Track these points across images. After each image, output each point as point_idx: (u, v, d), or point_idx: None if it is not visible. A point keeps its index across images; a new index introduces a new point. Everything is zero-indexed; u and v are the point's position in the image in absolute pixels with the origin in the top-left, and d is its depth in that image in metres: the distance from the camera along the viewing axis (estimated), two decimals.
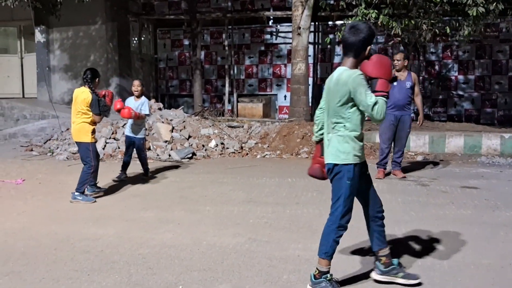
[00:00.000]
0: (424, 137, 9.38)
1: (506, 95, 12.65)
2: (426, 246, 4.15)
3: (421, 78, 12.84)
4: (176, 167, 8.09)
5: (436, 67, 12.99)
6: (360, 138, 3.22)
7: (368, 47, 3.18)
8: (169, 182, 6.90)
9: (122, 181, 6.82)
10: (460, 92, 13.00)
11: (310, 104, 11.87)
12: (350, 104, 3.15)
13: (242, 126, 10.71)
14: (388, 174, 7.16)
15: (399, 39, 10.75)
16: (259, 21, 14.22)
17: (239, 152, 9.31)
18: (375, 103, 3.05)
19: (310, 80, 12.94)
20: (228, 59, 14.08)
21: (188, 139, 9.53)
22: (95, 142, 5.97)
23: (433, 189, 6.34)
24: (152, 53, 15.44)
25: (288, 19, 12.40)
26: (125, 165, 6.98)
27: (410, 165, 8.04)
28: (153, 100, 11.37)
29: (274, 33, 14.29)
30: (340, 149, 3.19)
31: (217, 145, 9.43)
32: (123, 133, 9.39)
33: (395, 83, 6.82)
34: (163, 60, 15.48)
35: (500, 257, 3.87)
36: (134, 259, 3.87)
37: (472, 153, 9.13)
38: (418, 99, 7.05)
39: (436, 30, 9.87)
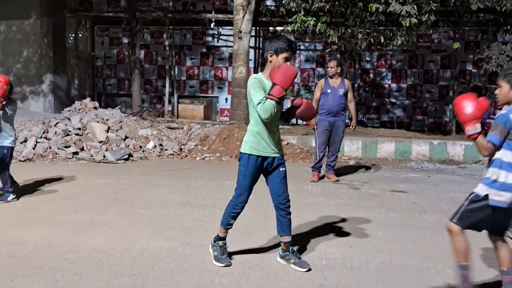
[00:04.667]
0: (358, 142, 9.70)
1: (436, 103, 13.31)
2: (355, 248, 4.28)
3: (356, 85, 13.28)
4: (111, 168, 7.88)
5: (371, 75, 13.48)
6: (261, 133, 3.65)
7: (280, 55, 3.60)
8: (102, 184, 6.70)
9: (50, 182, 6.53)
10: (393, 100, 13.56)
11: None
12: (252, 103, 3.60)
13: (182, 128, 10.60)
14: (323, 177, 7.34)
15: (336, 47, 11.06)
16: (200, 23, 14.17)
17: (178, 154, 9.21)
18: (259, 103, 3.49)
19: None
20: (168, 59, 13.90)
21: (124, 140, 9.31)
22: None
23: (364, 193, 6.55)
24: (89, 50, 14.97)
25: (230, 23, 12.44)
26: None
27: (344, 169, 8.28)
28: (88, 99, 11.00)
29: (216, 36, 14.28)
30: (245, 140, 3.73)
31: (155, 146, 9.28)
32: (55, 132, 9.04)
33: (329, 90, 7.04)
34: (100, 58, 15.06)
35: (425, 259, 4.06)
36: (61, 264, 3.72)
37: (402, 158, 9.53)
38: (351, 105, 7.28)
39: (371, 39, 10.24)
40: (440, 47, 13.09)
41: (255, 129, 3.67)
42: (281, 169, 3.76)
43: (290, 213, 3.83)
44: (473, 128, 3.06)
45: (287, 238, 3.81)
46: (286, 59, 3.61)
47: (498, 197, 3.06)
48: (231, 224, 3.85)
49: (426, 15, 9.41)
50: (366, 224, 5.02)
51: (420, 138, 10.36)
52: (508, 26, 11.10)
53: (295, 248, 3.90)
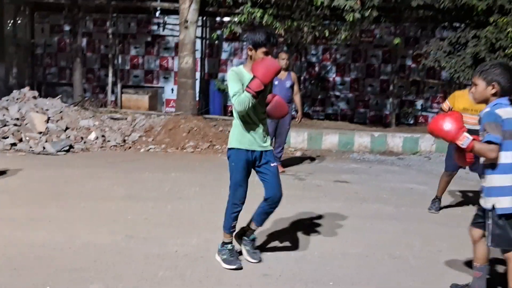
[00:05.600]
0: (303, 134, 9.87)
1: (377, 97, 13.70)
2: (299, 237, 4.37)
3: (302, 78, 13.45)
4: (51, 160, 7.60)
5: (316, 68, 13.70)
6: (244, 127, 3.56)
7: (258, 50, 3.47)
8: (42, 176, 6.45)
9: None
10: (337, 93, 13.85)
11: (197, 99, 11.85)
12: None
13: (126, 119, 10.36)
14: None
15: (282, 39, 11.15)
16: (145, 11, 13.84)
17: (121, 146, 9.00)
18: (234, 95, 3.43)
19: (198, 75, 12.91)
20: (112, 48, 13.50)
21: (65, 131, 8.99)
22: None
23: (309, 183, 6.69)
24: (28, 38, 14.29)
25: (176, 12, 12.22)
26: None
27: (290, 160, 8.41)
28: (27, 88, 10.52)
29: (161, 25, 14.02)
30: (230, 135, 3.67)
31: (97, 137, 9.02)
32: None
33: (276, 82, 7.09)
34: (40, 46, 14.39)
35: (366, 247, 4.21)
36: None
37: (345, 150, 9.79)
38: (297, 98, 7.39)
39: (316, 33, 10.39)
40: (381, 43, 13.46)
41: (237, 122, 3.59)
42: (272, 164, 3.65)
43: (273, 210, 3.72)
44: (465, 138, 2.93)
45: (254, 226, 3.78)
46: (266, 53, 3.47)
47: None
48: (234, 226, 3.71)
49: (369, 11, 9.65)
50: (310, 213, 5.13)
51: (362, 130, 10.68)
52: (446, 23, 11.57)
53: (255, 238, 3.89)
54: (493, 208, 2.95)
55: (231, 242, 3.72)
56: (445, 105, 5.41)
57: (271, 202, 3.67)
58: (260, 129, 3.60)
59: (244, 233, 3.83)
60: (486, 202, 3.00)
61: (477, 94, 3.06)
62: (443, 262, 3.94)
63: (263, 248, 4.05)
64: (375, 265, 3.83)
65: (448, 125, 2.96)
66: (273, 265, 3.71)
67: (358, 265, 3.81)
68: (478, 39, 9.63)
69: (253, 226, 3.79)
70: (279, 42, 11.58)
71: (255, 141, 3.58)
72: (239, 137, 3.58)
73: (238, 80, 3.47)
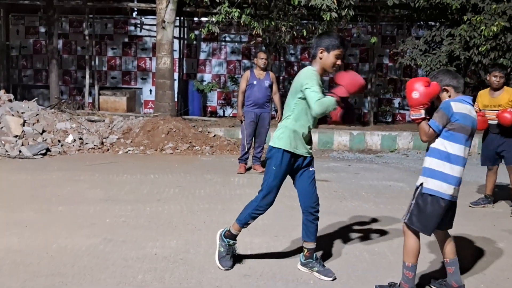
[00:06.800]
0: None
1: (355, 95, 13.84)
2: (280, 237, 4.38)
3: (281, 78, 13.49)
4: (28, 164, 7.47)
5: (295, 68, 13.74)
6: (298, 132, 3.47)
7: (331, 52, 3.42)
8: (18, 180, 6.34)
9: None
10: None
11: (175, 99, 11.79)
12: (298, 96, 3.46)
13: (103, 121, 10.25)
14: (249, 169, 7.41)
15: (261, 39, 11.17)
16: (122, 12, 13.71)
17: (99, 148, 8.90)
18: (319, 97, 3.26)
19: (176, 75, 12.84)
20: (89, 49, 13.34)
21: (42, 134, 8.85)
22: None
23: (289, 183, 6.65)
24: (3, 40, 14.01)
25: (153, 12, 12.14)
26: None
27: None
28: (2, 91, 10.32)
29: (139, 25, 13.90)
30: (278, 135, 3.52)
31: (74, 140, 8.90)
32: None
33: (254, 82, 7.12)
34: (15, 47, 14.14)
35: (346, 244, 4.25)
36: None
37: (325, 149, 9.85)
38: (276, 97, 7.40)
39: (294, 33, 10.43)
40: (359, 42, 13.58)
41: (293, 126, 3.45)
42: (310, 169, 3.59)
43: (318, 218, 3.65)
44: (417, 113, 3.09)
45: (312, 245, 3.62)
46: (338, 56, 3.43)
47: (437, 187, 3.08)
48: (249, 224, 3.64)
49: (346, 10, 9.73)
50: (290, 213, 5.14)
51: (341, 129, 10.75)
52: (421, 22, 11.74)
53: (318, 255, 3.73)
54: (421, 186, 3.13)
55: (235, 237, 3.64)
56: (476, 106, 5.54)
57: (312, 208, 3.61)
58: (308, 136, 3.55)
59: (307, 258, 3.64)
60: (418, 180, 3.18)
61: (437, 102, 3.21)
62: (421, 258, 3.98)
63: (242, 247, 4.04)
64: (354, 262, 3.86)
65: (416, 94, 3.08)
66: (254, 265, 3.71)
67: (337, 263, 3.84)
68: (453, 37, 9.79)
69: (308, 245, 3.63)
70: (257, 42, 11.60)
71: (303, 146, 3.50)
72: (290, 139, 3.44)
73: (318, 82, 3.37)
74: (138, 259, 3.75)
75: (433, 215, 3.10)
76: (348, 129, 10.68)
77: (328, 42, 3.43)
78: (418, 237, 3.20)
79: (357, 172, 7.67)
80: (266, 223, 4.73)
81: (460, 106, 3.09)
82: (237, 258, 3.77)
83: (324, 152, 9.58)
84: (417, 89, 3.08)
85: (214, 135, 9.78)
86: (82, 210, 5.05)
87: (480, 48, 9.47)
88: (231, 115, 13.13)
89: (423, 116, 3.08)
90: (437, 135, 3.10)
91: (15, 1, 13.39)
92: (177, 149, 8.93)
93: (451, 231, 3.33)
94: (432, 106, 3.19)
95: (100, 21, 13.85)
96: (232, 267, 3.62)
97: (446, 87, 3.17)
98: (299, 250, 4.06)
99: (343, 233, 4.56)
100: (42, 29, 13.89)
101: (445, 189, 3.07)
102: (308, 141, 3.56)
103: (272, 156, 3.49)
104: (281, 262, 3.80)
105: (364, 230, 4.67)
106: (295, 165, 3.53)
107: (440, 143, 3.10)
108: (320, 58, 3.46)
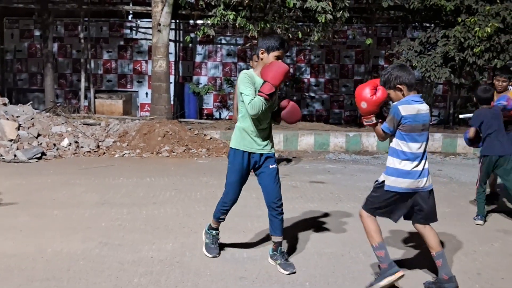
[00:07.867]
0: (279, 136, 9.90)
1: (351, 97, 13.82)
2: None
3: None
4: (23, 168, 7.44)
5: (291, 70, 13.77)
6: (246, 129, 3.64)
7: (270, 53, 3.57)
8: (13, 185, 6.31)
9: None
10: (312, 94, 13.94)
11: (171, 102, 11.78)
12: (240, 98, 3.61)
13: (99, 124, 10.22)
14: None
15: (256, 41, 11.17)
16: (118, 15, 13.69)
17: (95, 151, 8.88)
18: (250, 100, 3.47)
19: (172, 78, 12.84)
20: (84, 52, 13.32)
21: (37, 138, 8.82)
22: None
23: (285, 185, 6.68)
24: None
25: (148, 15, 12.15)
26: None
27: None
28: None
29: (134, 28, 13.90)
30: (232, 136, 3.77)
31: (70, 143, 8.88)
32: None
33: None
34: (10, 51, 14.11)
35: (341, 246, 4.24)
36: None
37: (321, 150, 9.86)
38: None
39: (290, 35, 10.44)
40: (354, 43, 13.60)
41: (241, 125, 3.66)
42: (271, 166, 3.70)
43: (282, 213, 3.76)
44: (369, 120, 3.36)
45: (277, 238, 3.75)
46: (277, 58, 3.58)
47: (393, 183, 3.29)
48: (223, 218, 3.90)
49: (341, 12, 9.76)
50: (286, 215, 5.09)
51: (337, 130, 10.78)
52: (416, 23, 11.78)
53: (284, 249, 3.82)
54: (382, 182, 3.34)
55: (217, 229, 3.93)
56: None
57: (274, 203, 3.72)
58: (265, 133, 3.69)
59: (274, 251, 3.77)
60: (380, 177, 3.38)
61: (395, 100, 3.32)
62: (416, 258, 4.00)
63: (238, 250, 4.04)
64: (350, 264, 3.87)
65: (364, 105, 3.30)
66: (249, 267, 3.71)
67: (333, 264, 3.84)
68: (448, 38, 9.83)
69: (274, 239, 3.77)
70: (253, 44, 11.61)
71: (255, 143, 3.65)
72: (238, 138, 3.67)
73: (251, 84, 3.54)
74: (134, 262, 3.74)
75: (382, 199, 3.34)
76: (344, 130, 10.70)
77: (269, 44, 3.59)
78: (373, 216, 3.41)
79: (353, 173, 7.67)
80: (261, 225, 4.73)
81: (408, 108, 3.22)
82: (233, 260, 3.77)
83: (320, 153, 9.59)
84: (365, 99, 3.28)
85: (210, 138, 9.77)
86: (77, 214, 5.03)
87: (474, 49, 9.51)
88: (227, 117, 13.13)
89: (374, 122, 3.35)
90: (393, 135, 3.32)
91: (9, 5, 13.36)
92: (173, 152, 8.92)
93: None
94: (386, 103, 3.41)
95: (96, 24, 13.84)
96: (219, 254, 3.88)
97: (399, 86, 3.27)
98: (295, 252, 4.07)
99: (339, 235, 4.57)
100: (37, 33, 13.87)
101: (399, 182, 3.26)
102: (265, 138, 3.69)
103: (228, 155, 3.76)
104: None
105: (360, 231, 4.66)
106: (251, 162, 3.69)
107: (396, 143, 3.31)
108: (261, 59, 3.63)
